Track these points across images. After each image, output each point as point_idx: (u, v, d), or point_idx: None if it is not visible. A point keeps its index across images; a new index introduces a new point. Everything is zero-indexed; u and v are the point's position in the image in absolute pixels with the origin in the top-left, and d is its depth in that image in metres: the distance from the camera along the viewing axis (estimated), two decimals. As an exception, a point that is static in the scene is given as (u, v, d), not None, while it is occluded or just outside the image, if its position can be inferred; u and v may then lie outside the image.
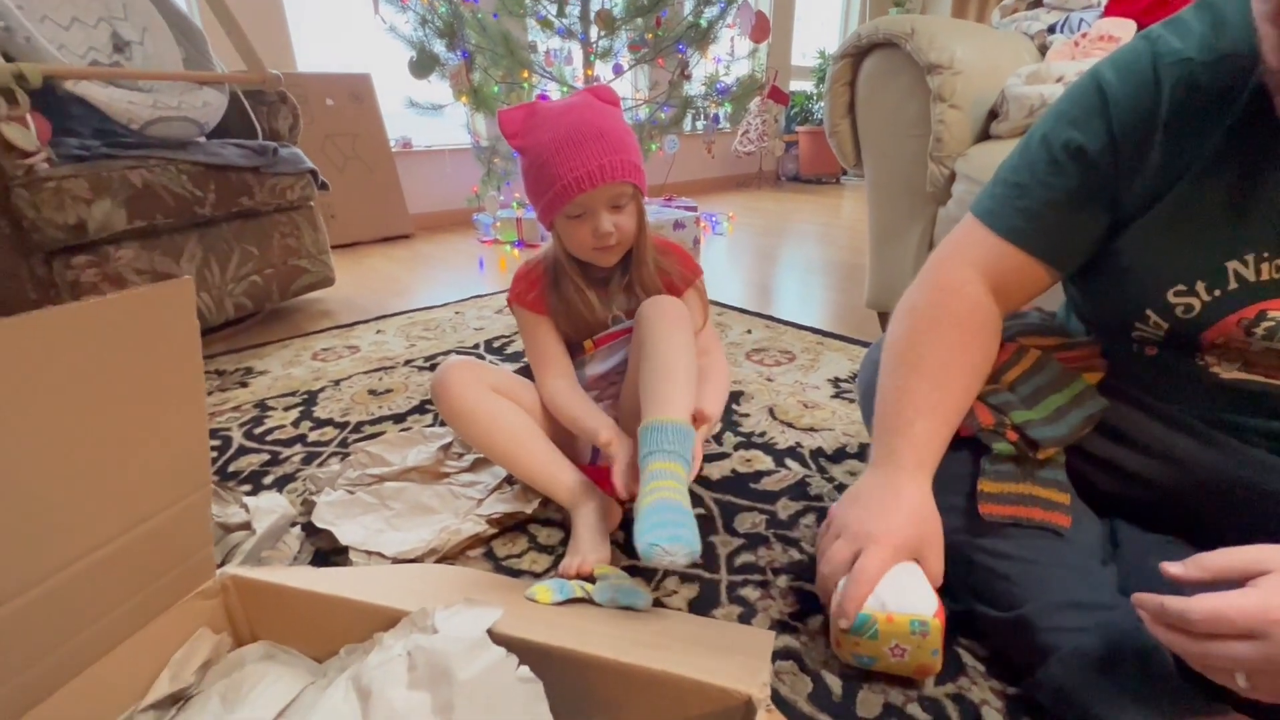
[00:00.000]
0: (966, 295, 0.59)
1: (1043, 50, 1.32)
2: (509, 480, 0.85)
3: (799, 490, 0.87)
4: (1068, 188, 0.54)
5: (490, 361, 1.35)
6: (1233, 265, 0.48)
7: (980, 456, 0.59)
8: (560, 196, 0.72)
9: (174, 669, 0.44)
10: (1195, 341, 0.54)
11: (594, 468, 0.85)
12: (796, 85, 4.46)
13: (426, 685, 0.36)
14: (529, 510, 0.80)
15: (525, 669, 0.37)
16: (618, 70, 2.50)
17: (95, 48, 1.44)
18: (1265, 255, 0.47)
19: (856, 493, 0.57)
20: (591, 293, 0.82)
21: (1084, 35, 1.19)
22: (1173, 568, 0.42)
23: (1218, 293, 0.50)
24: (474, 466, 0.89)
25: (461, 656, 0.37)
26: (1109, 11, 1.25)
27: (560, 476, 0.76)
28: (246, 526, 0.74)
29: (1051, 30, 1.34)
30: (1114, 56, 0.53)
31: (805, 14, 4.35)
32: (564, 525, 0.79)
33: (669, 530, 0.56)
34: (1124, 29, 1.16)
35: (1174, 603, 0.40)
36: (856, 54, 1.25)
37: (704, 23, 2.46)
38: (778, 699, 0.56)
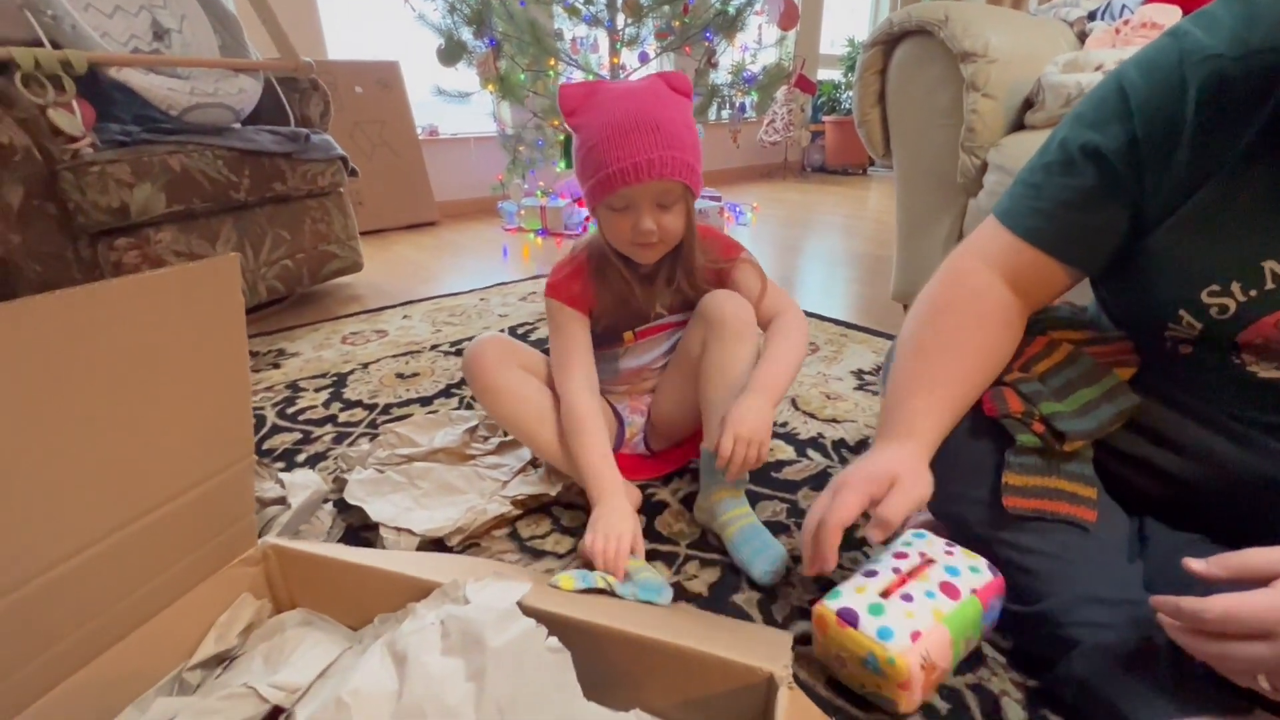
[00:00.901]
0: (974, 283, 0.59)
1: (1082, 38, 1.28)
2: (533, 463, 0.87)
3: (820, 481, 0.87)
4: (1083, 188, 0.53)
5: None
6: (1269, 265, 0.47)
7: (1004, 449, 0.59)
8: (604, 185, 0.69)
9: (219, 631, 0.46)
10: (1231, 341, 0.53)
11: (617, 454, 0.86)
12: (824, 74, 4.39)
13: (460, 652, 0.38)
14: (553, 493, 0.81)
15: (554, 639, 0.38)
16: (644, 58, 2.49)
17: (136, 35, 1.47)
18: None
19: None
20: (637, 287, 0.79)
21: (1126, 22, 1.15)
22: (1195, 564, 0.42)
23: (1254, 293, 0.49)
24: (499, 449, 0.91)
25: (493, 626, 0.38)
26: (1153, -3, 1.21)
27: (583, 459, 0.77)
28: (281, 501, 0.76)
29: (1092, 17, 1.30)
30: (1139, 55, 0.52)
31: (834, 1, 4.27)
32: (586, 509, 0.80)
33: (768, 554, 0.68)
34: (1168, 15, 1.13)
35: (1189, 603, 0.40)
36: (888, 41, 1.23)
37: (732, 10, 2.43)
38: (796, 682, 0.56)
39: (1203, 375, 0.56)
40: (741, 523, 0.72)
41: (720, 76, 2.70)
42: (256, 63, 1.58)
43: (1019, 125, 1.14)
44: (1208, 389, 0.56)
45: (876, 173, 4.42)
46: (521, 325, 1.53)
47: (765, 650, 0.40)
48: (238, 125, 1.56)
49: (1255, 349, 0.53)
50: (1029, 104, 1.12)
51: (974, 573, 0.56)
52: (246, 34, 1.62)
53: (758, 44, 2.99)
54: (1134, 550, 0.58)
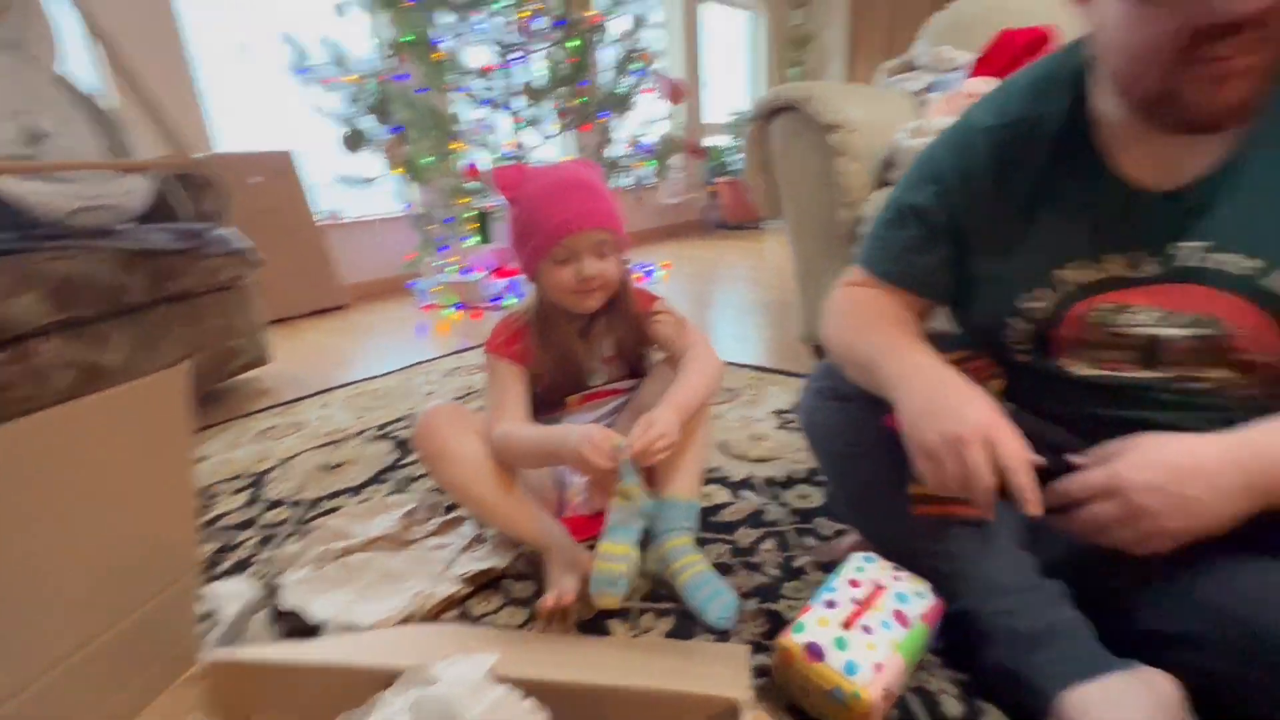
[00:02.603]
0: (879, 302, 0.69)
1: (923, 106, 1.50)
2: (478, 539, 0.87)
3: (756, 519, 0.92)
4: (915, 236, 0.67)
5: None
6: (1059, 272, 0.60)
7: (903, 464, 0.65)
8: (549, 239, 0.78)
9: (166, 759, 0.43)
10: (1053, 342, 0.63)
11: (566, 520, 0.88)
12: (712, 140, 4.75)
13: (437, 731, 0.38)
14: (502, 566, 0.81)
15: (531, 701, 0.39)
16: (544, 137, 2.62)
17: (9, 140, 1.40)
18: (1080, 261, 0.58)
19: (921, 408, 0.56)
20: (579, 339, 0.86)
21: (957, 93, 1.37)
22: (1075, 458, 0.53)
23: (1055, 294, 0.60)
24: (441, 529, 0.90)
25: (466, 699, 0.39)
26: (976, 72, 1.45)
27: (536, 521, 0.79)
28: (207, 617, 0.72)
29: (930, 89, 1.53)
30: (944, 134, 0.67)
31: (713, 76, 4.69)
32: (537, 577, 0.81)
33: (722, 600, 0.72)
34: (988, 86, 1.35)
35: (1059, 484, 0.52)
36: (764, 116, 1.39)
37: (623, 89, 2.63)
38: (759, 714, 0.59)
39: (1040, 380, 0.65)
40: (694, 570, 0.75)
41: (618, 150, 2.88)
42: (138, 162, 1.54)
43: (884, 182, 1.31)
44: (1047, 392, 0.66)
45: (770, 225, 4.76)
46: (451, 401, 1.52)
47: (727, 675, 0.43)
48: (129, 225, 1.49)
49: (1070, 347, 0.62)
50: (889, 164, 1.29)
51: (920, 598, 0.61)
52: (134, 134, 1.58)
53: (650, 118, 3.21)
54: (1025, 539, 0.66)
